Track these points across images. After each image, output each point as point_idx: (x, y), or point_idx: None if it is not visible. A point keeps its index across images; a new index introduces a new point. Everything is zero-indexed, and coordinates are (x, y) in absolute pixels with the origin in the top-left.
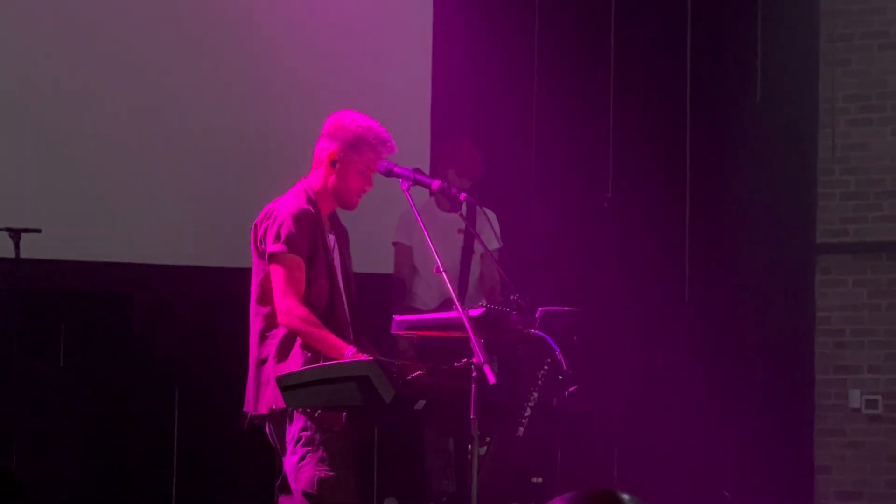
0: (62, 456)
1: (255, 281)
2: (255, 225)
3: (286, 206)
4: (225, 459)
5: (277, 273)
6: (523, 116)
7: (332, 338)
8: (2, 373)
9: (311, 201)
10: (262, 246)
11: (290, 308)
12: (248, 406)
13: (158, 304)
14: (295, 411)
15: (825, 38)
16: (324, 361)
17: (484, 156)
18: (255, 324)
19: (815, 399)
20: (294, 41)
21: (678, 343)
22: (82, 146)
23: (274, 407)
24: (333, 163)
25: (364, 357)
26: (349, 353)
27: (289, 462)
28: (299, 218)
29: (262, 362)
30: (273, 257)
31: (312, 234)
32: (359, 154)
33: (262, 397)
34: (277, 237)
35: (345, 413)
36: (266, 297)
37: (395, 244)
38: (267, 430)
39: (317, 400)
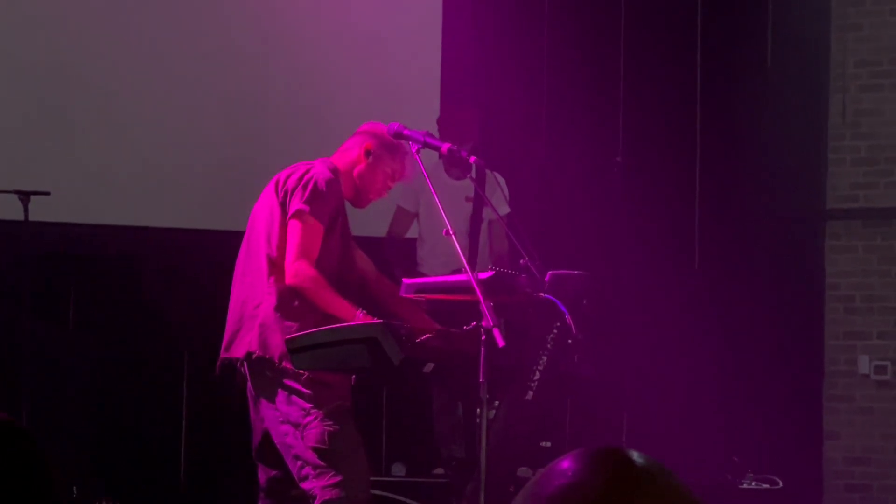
0: (72, 419)
1: (263, 227)
2: (282, 177)
3: (319, 171)
4: (234, 422)
5: (295, 232)
6: (534, 80)
7: (341, 300)
8: (12, 336)
9: (336, 177)
10: (287, 199)
11: (300, 269)
12: (221, 349)
13: (168, 268)
14: (284, 364)
15: (837, 3)
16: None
17: (479, 115)
18: (256, 268)
19: (825, 365)
20: (308, 10)
21: (687, 307)
22: (91, 109)
23: (253, 351)
24: (368, 153)
25: (373, 319)
26: (359, 315)
27: (282, 417)
28: (330, 186)
29: (254, 307)
30: (297, 215)
31: (336, 207)
32: (392, 158)
33: (241, 339)
34: (305, 198)
35: (353, 375)
36: (276, 246)
37: (398, 207)
38: (245, 375)
39: (325, 362)
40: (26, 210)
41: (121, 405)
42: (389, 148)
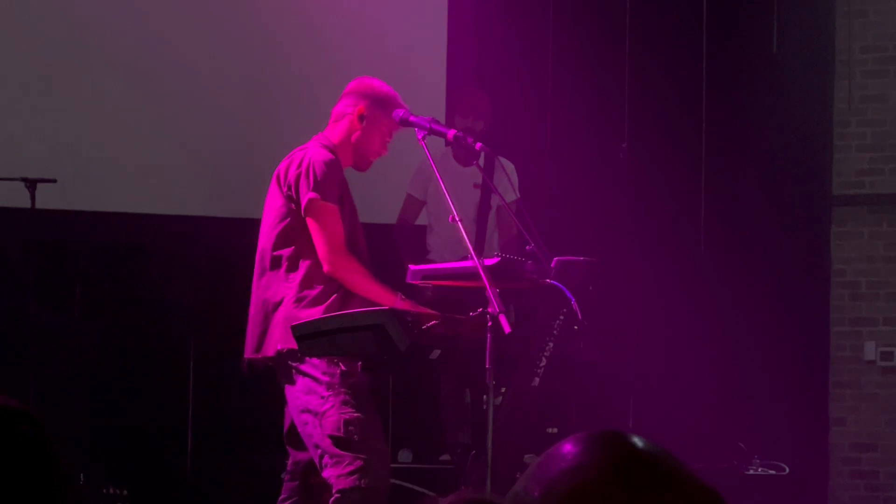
0: (78, 406)
1: (272, 223)
2: (282, 170)
3: (315, 153)
4: (240, 409)
5: (316, 223)
6: (539, 67)
7: (380, 287)
8: (18, 323)
9: (333, 153)
10: (293, 192)
11: (337, 261)
12: (249, 350)
13: (174, 255)
14: (307, 356)
15: None
16: (348, 308)
17: (491, 100)
18: (271, 266)
19: (830, 351)
20: None
21: (693, 294)
22: (97, 97)
23: (281, 348)
24: (361, 118)
25: (406, 304)
26: (398, 300)
27: (303, 406)
28: (330, 165)
29: (276, 304)
30: (310, 205)
31: (340, 184)
32: (386, 115)
33: (270, 339)
34: (311, 185)
35: (360, 362)
36: (288, 240)
37: (407, 194)
38: (276, 371)
39: (332, 349)
40: (33, 197)
41: (127, 392)
42: (381, 105)
